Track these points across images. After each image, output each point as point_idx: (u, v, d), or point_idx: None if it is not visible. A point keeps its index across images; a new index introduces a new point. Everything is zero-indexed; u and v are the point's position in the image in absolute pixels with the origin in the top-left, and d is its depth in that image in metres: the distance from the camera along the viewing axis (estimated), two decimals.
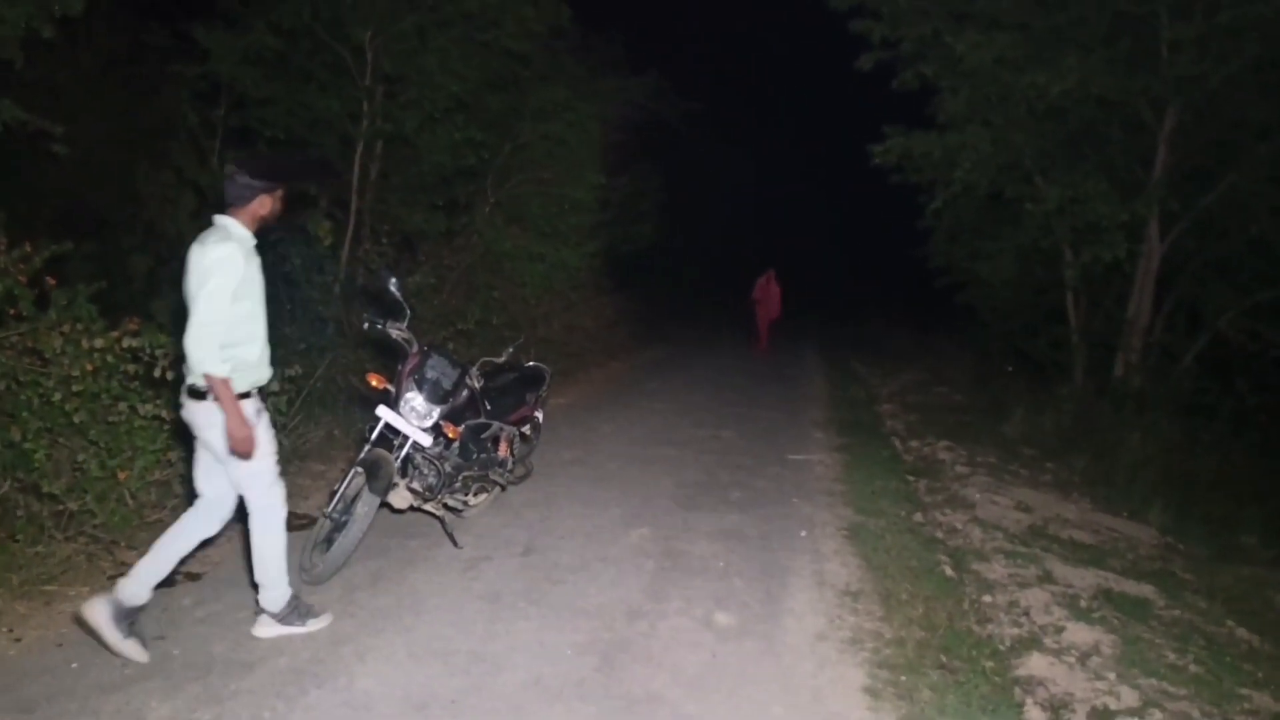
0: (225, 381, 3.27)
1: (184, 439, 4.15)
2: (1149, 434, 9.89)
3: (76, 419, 4.74)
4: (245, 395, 3.41)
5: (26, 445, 4.65)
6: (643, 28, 15.17)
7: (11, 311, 4.89)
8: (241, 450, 3.35)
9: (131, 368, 4.94)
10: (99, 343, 4.87)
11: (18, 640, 3.57)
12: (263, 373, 3.58)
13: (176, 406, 3.67)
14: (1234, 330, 11.15)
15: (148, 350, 4.92)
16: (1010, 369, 13.33)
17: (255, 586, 3.65)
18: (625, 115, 15.37)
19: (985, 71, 10.52)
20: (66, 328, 4.79)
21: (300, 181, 3.54)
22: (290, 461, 5.98)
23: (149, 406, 4.95)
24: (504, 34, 11.11)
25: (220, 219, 3.44)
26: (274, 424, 5.97)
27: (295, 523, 4.76)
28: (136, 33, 10.07)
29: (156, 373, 4.89)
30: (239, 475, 3.48)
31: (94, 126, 9.51)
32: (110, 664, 3.34)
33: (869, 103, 13.11)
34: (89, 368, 4.82)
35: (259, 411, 3.51)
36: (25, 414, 4.75)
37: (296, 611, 3.69)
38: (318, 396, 6.86)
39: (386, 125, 10.46)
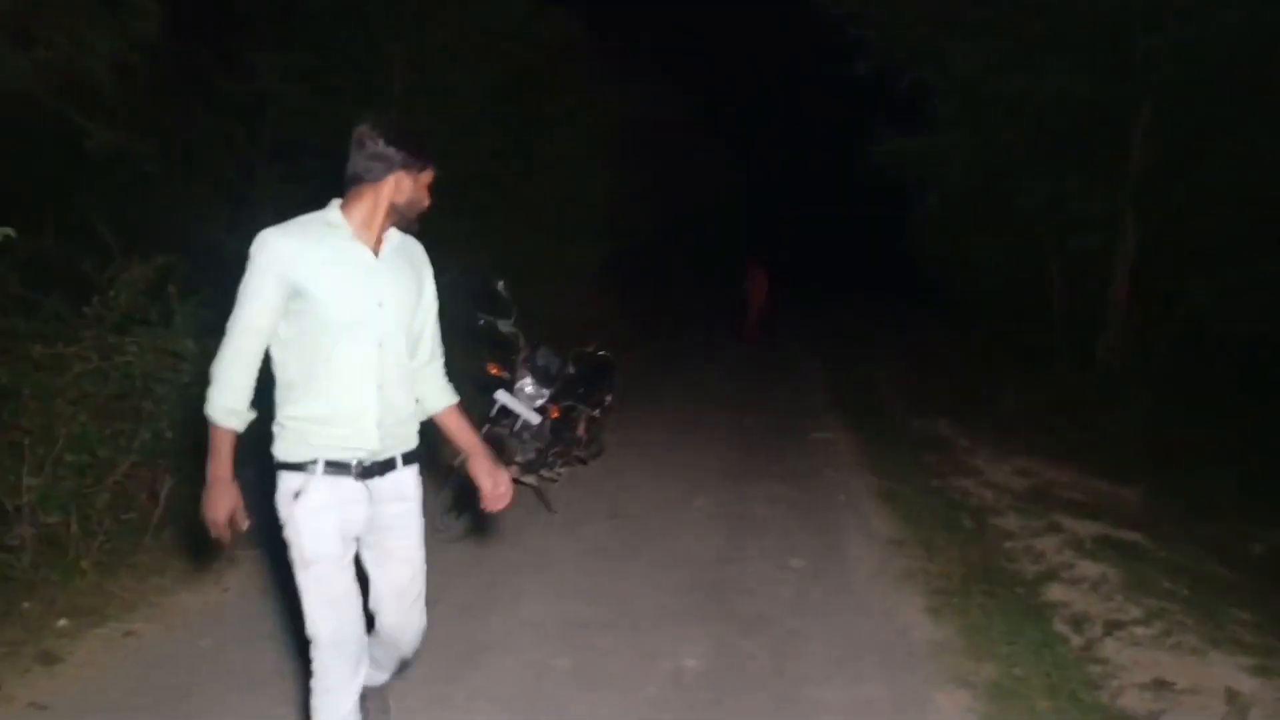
0: (225, 433, 2.22)
1: None
2: (1129, 409, 10.79)
3: None
4: (294, 466, 2.27)
5: (168, 434, 5.31)
6: (642, 30, 15.83)
7: (136, 318, 5.54)
8: (211, 521, 2.21)
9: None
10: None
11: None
12: (348, 437, 2.28)
13: None
14: (1206, 311, 12.07)
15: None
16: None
17: None
18: (626, 117, 16.11)
19: (975, 77, 11.37)
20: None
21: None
22: None
23: None
24: (520, 47, 11.82)
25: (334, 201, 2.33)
26: None
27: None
28: (187, 53, 10.64)
29: None
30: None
31: (145, 144, 10.09)
32: None
33: (863, 98, 13.95)
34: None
35: (314, 492, 2.27)
36: (165, 407, 5.41)
37: None
38: None
39: None
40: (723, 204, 27.08)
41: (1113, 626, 4.41)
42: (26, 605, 3.63)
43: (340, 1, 10.47)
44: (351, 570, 2.34)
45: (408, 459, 2.44)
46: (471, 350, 8.66)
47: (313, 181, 10.37)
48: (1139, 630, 4.38)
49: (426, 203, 2.41)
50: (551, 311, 12.88)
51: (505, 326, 5.26)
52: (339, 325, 2.22)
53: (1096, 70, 10.81)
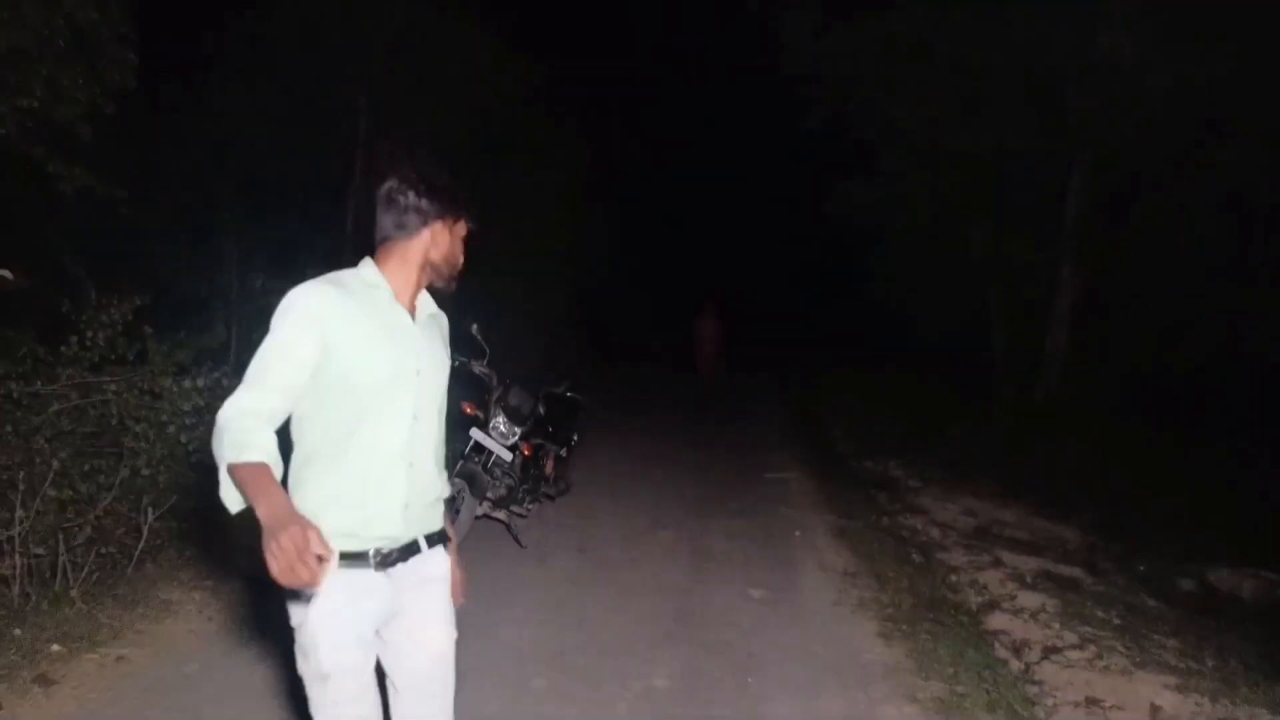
0: (258, 468, 1.76)
1: None
2: (1069, 449, 11.29)
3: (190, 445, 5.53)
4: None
5: (145, 472, 5.43)
6: (604, 80, 16.30)
7: (113, 358, 5.66)
8: (280, 576, 1.63)
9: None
10: (201, 382, 5.70)
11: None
12: (369, 522, 2.03)
13: None
14: (1142, 353, 12.69)
15: (228, 388, 5.74)
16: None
17: None
18: (588, 164, 16.54)
19: (916, 132, 11.97)
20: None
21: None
22: None
23: None
24: (484, 94, 12.19)
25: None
26: None
27: None
28: (153, 91, 10.79)
29: None
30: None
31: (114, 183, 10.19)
32: None
33: (815, 147, 14.52)
34: (200, 403, 5.64)
35: (319, 597, 1.93)
36: (144, 444, 5.53)
37: None
38: None
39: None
40: (682, 247, 27.63)
41: (1050, 651, 4.74)
42: (18, 632, 3.75)
43: (307, 42, 10.73)
44: (374, 682, 2.06)
45: (431, 540, 2.18)
46: (447, 390, 8.90)
47: (273, 215, 10.60)
48: (1073, 654, 4.71)
49: (461, 258, 2.21)
50: (518, 353, 13.13)
51: (479, 368, 5.50)
52: (373, 393, 2.00)
53: (1031, 127, 11.45)
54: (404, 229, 2.08)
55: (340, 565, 1.89)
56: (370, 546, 2.01)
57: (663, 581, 5.24)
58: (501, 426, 5.34)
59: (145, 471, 5.37)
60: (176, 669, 3.72)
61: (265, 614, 3.46)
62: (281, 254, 10.36)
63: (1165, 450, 11.80)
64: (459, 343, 6.01)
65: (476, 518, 5.46)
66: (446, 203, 2.11)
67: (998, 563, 6.52)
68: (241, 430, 1.80)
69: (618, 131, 16.95)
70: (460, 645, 2.75)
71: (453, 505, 5.05)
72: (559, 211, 14.39)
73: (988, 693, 3.93)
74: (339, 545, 1.86)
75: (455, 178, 2.19)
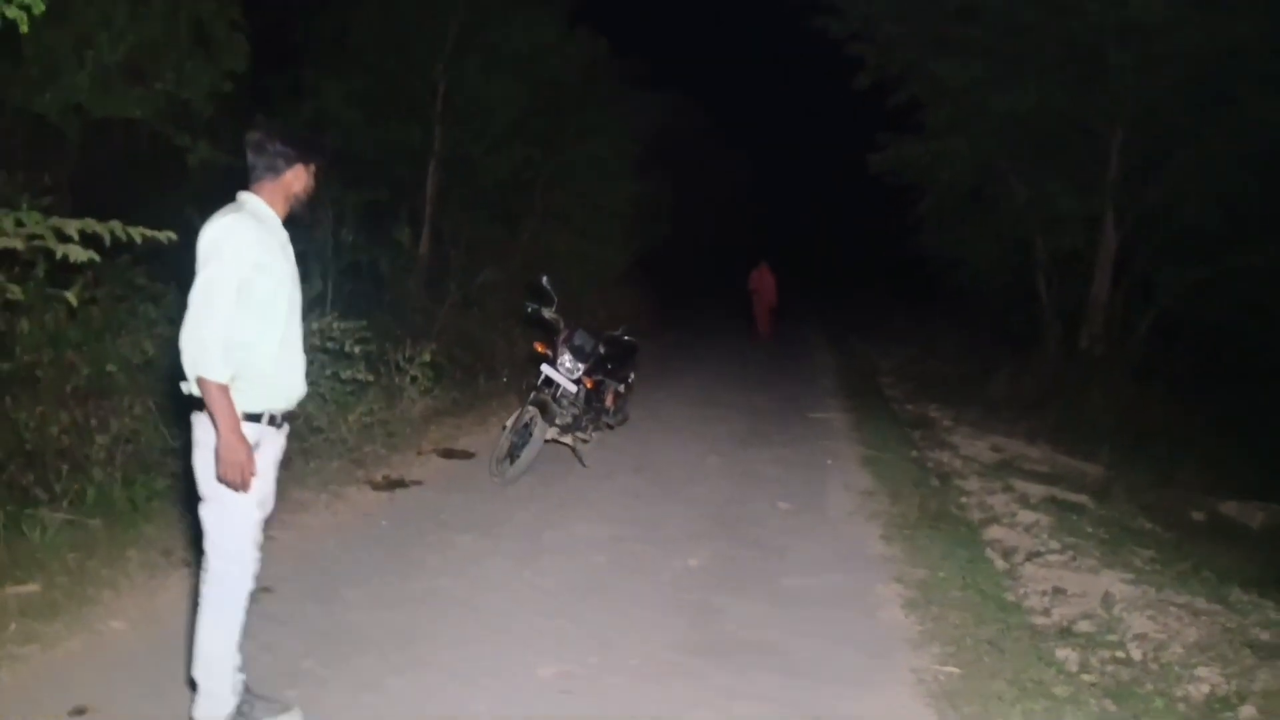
0: (222, 389, 2.58)
1: None
2: (1107, 393, 11.88)
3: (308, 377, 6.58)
4: (254, 417, 2.73)
5: None
6: (659, 43, 17.03)
7: None
8: (231, 477, 2.61)
9: (331, 344, 6.77)
10: (315, 325, 6.76)
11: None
12: (284, 391, 2.84)
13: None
14: (1181, 302, 13.14)
15: (336, 330, 6.76)
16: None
17: (192, 685, 2.84)
18: (648, 128, 17.32)
19: (962, 91, 12.50)
20: None
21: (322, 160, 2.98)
22: (429, 419, 7.91)
23: (348, 372, 6.81)
24: (550, 67, 13.05)
25: (241, 194, 2.81)
26: (421, 391, 8.00)
27: (455, 455, 6.77)
28: (258, 78, 11.95)
29: (345, 348, 6.68)
30: (209, 520, 2.77)
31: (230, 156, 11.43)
32: None
33: (864, 106, 15.10)
34: (314, 344, 6.71)
35: (267, 443, 2.80)
36: None
37: None
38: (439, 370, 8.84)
39: (456, 149, 12.39)
40: (737, 206, 28.30)
41: (1033, 555, 5.59)
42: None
43: (388, 31, 11.76)
44: None
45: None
46: (518, 334, 9.99)
47: (362, 182, 11.71)
48: (1053, 558, 5.55)
49: (314, 189, 2.92)
50: (579, 307, 14.13)
51: (549, 313, 6.49)
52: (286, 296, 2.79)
53: (1072, 84, 11.90)
54: (274, 170, 2.79)
55: (265, 422, 2.76)
56: (287, 410, 2.88)
57: (707, 494, 6.23)
58: (567, 363, 6.32)
59: None
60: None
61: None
62: (369, 215, 11.50)
63: (1202, 396, 12.31)
64: (531, 292, 7.08)
65: (546, 441, 6.46)
66: (303, 149, 2.84)
67: (1008, 488, 7.33)
68: (214, 352, 2.58)
69: (678, 98, 17.68)
70: (536, 537, 3.73)
71: (528, 430, 6.08)
72: (622, 175, 15.26)
73: (964, 577, 4.81)
74: (267, 409, 2.77)
75: (307, 130, 3.06)
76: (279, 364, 2.78)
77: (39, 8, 3.47)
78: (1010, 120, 12.37)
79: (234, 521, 2.74)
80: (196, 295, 2.59)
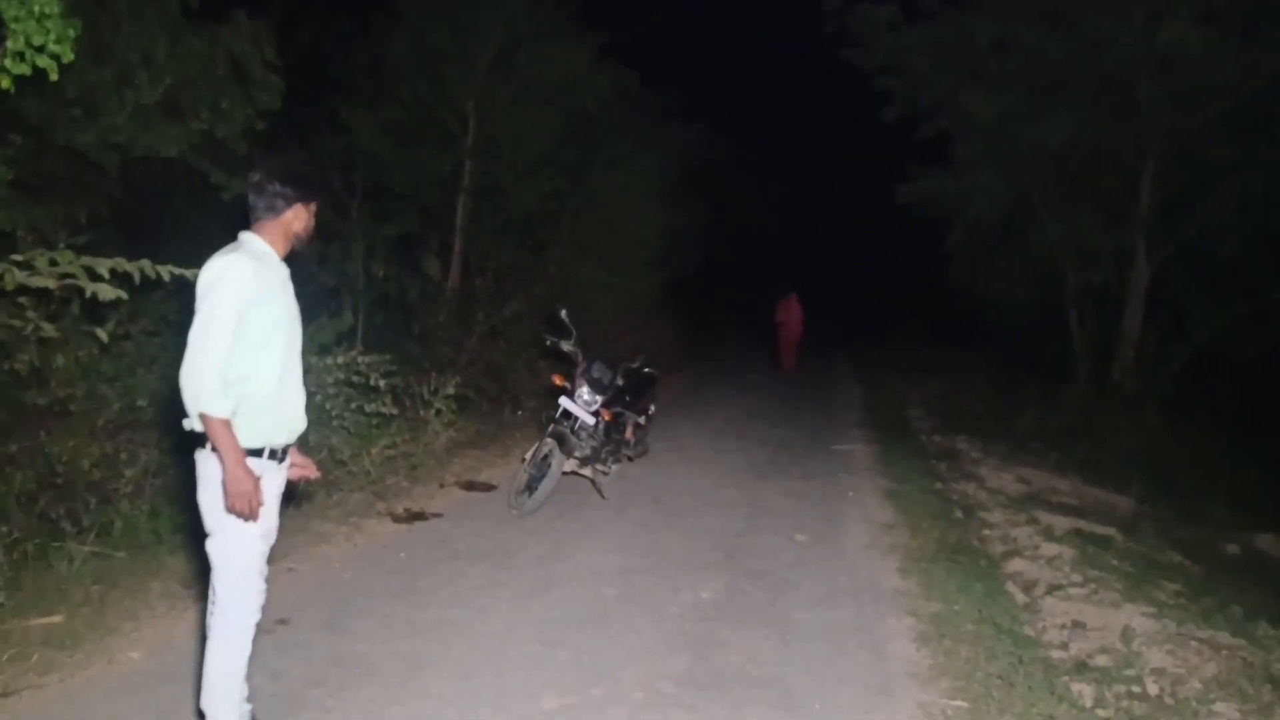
0: (224, 423, 2.66)
1: None
2: (1138, 428, 11.71)
3: (333, 411, 6.70)
4: (255, 453, 2.79)
5: None
6: (691, 76, 17.22)
7: None
8: (239, 508, 2.70)
9: (357, 378, 6.90)
10: (340, 359, 6.89)
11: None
12: (284, 425, 2.90)
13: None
14: (1214, 337, 12.95)
15: (362, 365, 6.89)
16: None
17: (200, 716, 2.93)
18: (677, 158, 17.46)
19: (993, 124, 12.48)
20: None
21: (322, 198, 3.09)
22: (452, 452, 7.98)
23: (373, 405, 6.93)
24: (580, 99, 13.23)
25: (241, 234, 2.88)
26: (445, 423, 8.09)
27: (477, 487, 6.83)
28: (291, 112, 12.25)
29: (370, 382, 6.81)
30: (216, 554, 2.83)
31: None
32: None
33: (897, 136, 15.10)
34: (340, 378, 6.84)
35: (268, 477, 2.86)
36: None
37: None
38: (464, 402, 8.94)
39: (486, 179, 12.58)
40: (770, 236, 28.35)
41: (1054, 588, 5.49)
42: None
43: (422, 61, 12.01)
44: None
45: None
46: (542, 365, 10.10)
47: (394, 215, 11.91)
48: (1074, 591, 5.45)
49: (314, 229, 2.98)
50: (605, 337, 14.20)
51: (566, 346, 6.56)
52: (287, 332, 2.87)
53: (1105, 117, 11.84)
54: (274, 210, 2.85)
55: (266, 457, 2.83)
56: (287, 444, 2.94)
57: (720, 526, 6.20)
58: (585, 395, 6.36)
59: None
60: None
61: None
62: (399, 247, 11.70)
63: (1234, 431, 12.09)
64: (549, 324, 7.15)
65: (565, 473, 6.50)
66: (303, 189, 2.89)
67: (1033, 521, 7.21)
68: (216, 394, 2.66)
69: (709, 129, 17.80)
70: (549, 566, 3.63)
71: (546, 462, 6.13)
72: (650, 205, 15.37)
73: (979, 611, 4.75)
74: (267, 443, 2.83)
75: (308, 168, 3.01)
76: (278, 399, 2.83)
77: (68, 56, 3.62)
78: (1041, 153, 12.32)
79: (239, 554, 2.82)
80: (195, 333, 2.66)
